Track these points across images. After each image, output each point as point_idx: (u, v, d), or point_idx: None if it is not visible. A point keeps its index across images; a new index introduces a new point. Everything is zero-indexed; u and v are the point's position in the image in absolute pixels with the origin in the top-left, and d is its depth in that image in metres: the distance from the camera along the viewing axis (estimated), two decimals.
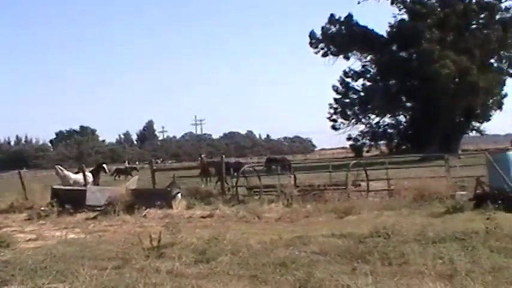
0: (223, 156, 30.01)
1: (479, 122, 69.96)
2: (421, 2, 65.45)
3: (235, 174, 26.16)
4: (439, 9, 63.43)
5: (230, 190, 23.59)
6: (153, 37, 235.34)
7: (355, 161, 27.21)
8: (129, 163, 69.96)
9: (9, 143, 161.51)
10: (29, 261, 11.63)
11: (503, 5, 65.42)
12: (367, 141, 74.23)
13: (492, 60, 65.28)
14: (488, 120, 70.27)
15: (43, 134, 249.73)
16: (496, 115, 69.87)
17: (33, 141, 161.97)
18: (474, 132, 72.49)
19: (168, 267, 10.11)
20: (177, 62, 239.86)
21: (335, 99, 72.43)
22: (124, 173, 51.51)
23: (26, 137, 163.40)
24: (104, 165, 29.33)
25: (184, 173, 33.93)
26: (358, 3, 68.00)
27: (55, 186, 24.68)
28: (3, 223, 19.96)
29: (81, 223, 18.86)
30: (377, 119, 72.58)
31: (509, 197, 15.69)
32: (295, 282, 7.80)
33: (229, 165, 28.45)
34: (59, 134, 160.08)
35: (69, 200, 22.02)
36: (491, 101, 66.69)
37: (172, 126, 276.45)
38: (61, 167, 28.22)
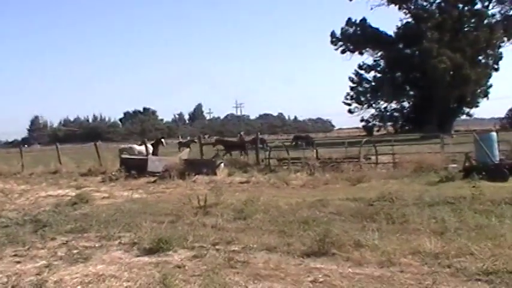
0: (258, 133, 30.05)
1: (469, 107, 69.36)
2: (423, 8, 64.99)
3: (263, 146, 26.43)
4: (438, 14, 62.70)
5: (264, 161, 23.61)
6: (199, 29, 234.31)
7: (366, 139, 27.04)
8: (182, 137, 70.10)
9: (87, 120, 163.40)
10: (103, 214, 11.89)
11: (490, 12, 65.12)
12: (377, 123, 74.10)
13: (480, 57, 64.46)
14: (477, 106, 69.73)
15: (114, 113, 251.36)
16: (483, 102, 69.46)
17: (106, 119, 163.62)
18: (465, 115, 72.07)
19: (213, 223, 10.21)
20: (225, 53, 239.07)
21: (351, 88, 72.49)
22: (185, 146, 51.63)
23: (101, 115, 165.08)
24: (162, 140, 29.43)
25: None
26: (371, 9, 68.14)
27: (123, 156, 24.99)
28: (83, 184, 20.31)
29: (143, 186, 19.08)
30: (385, 105, 72.35)
31: (491, 169, 15.54)
32: (316, 237, 7.81)
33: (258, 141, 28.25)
34: (126, 114, 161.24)
35: (134, 167, 22.29)
36: (479, 90, 66.10)
37: (217, 108, 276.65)
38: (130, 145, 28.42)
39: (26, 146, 76.96)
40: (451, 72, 58.49)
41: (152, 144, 28.16)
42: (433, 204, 10.94)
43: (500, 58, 66.21)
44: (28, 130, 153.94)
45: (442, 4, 63.56)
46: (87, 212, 12.62)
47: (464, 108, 69.12)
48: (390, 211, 9.98)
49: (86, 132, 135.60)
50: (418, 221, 9.09)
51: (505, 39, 64.29)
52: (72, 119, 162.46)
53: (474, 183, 11.91)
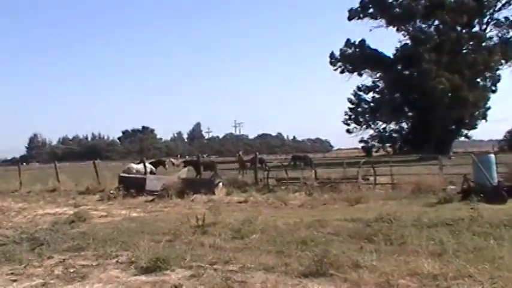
0: (257, 153, 30.08)
1: (467, 129, 69.29)
2: (422, 30, 65.23)
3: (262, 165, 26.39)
4: (436, 36, 63.09)
5: (262, 181, 23.60)
6: (199, 48, 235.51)
7: (365, 160, 27.07)
8: (180, 157, 70.08)
9: (86, 138, 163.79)
10: (101, 233, 11.83)
11: (488, 35, 65.30)
12: (376, 143, 73.74)
13: (479, 80, 64.75)
14: (475, 128, 69.55)
15: (113, 132, 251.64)
16: (481, 124, 69.30)
17: (105, 137, 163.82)
18: (463, 137, 71.96)
19: (211, 242, 10.17)
20: (225, 73, 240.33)
21: (350, 108, 72.37)
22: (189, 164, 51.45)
23: (100, 134, 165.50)
24: (165, 162, 29.26)
25: (225, 166, 34.06)
26: (370, 30, 68.06)
27: (121, 174, 24.97)
28: (81, 202, 20.30)
29: (141, 204, 19.04)
30: (384, 125, 72.17)
31: (489, 191, 15.56)
32: (314, 257, 7.79)
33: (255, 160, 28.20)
34: (125, 132, 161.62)
35: (133, 186, 22.27)
36: (477, 112, 66.10)
37: (216, 127, 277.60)
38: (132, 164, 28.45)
39: (24, 164, 76.92)
40: (450, 94, 58.60)
41: (153, 163, 28.14)
42: (432, 225, 10.91)
43: (499, 80, 66.31)
44: (27, 148, 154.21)
45: (441, 26, 63.92)
46: (85, 231, 12.57)
47: (462, 130, 69.10)
48: (388, 232, 9.96)
49: (84, 151, 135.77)
50: (416, 243, 9.06)
51: (503, 61, 64.51)
52: (71, 137, 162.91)
53: (472, 205, 11.89)
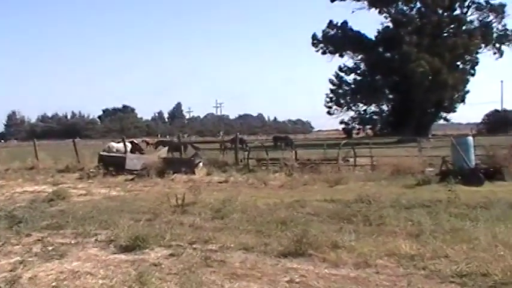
0: (238, 133, 30.04)
1: (446, 112, 70.12)
2: (403, 13, 65.56)
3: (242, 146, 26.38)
4: (417, 19, 63.37)
5: (242, 161, 23.61)
6: (181, 29, 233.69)
7: (345, 141, 27.18)
8: (161, 136, 69.84)
9: (66, 116, 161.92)
10: (80, 211, 11.79)
11: (468, 18, 65.94)
12: (356, 125, 73.96)
13: (458, 63, 65.24)
14: (454, 111, 70.49)
15: (93, 110, 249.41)
16: (460, 107, 70.16)
17: (85, 116, 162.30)
18: (442, 120, 72.82)
19: (190, 221, 10.18)
20: (202, 51, 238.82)
21: (331, 90, 72.28)
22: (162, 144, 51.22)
23: (80, 112, 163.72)
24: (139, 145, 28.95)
25: (205, 146, 34.00)
26: (352, 12, 67.78)
27: (101, 153, 24.80)
28: (60, 180, 20.15)
29: (121, 183, 18.98)
30: (364, 107, 72.25)
31: (467, 174, 15.76)
32: (293, 237, 7.83)
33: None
34: (106, 111, 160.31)
35: (112, 165, 22.17)
36: (456, 95, 66.78)
37: (197, 107, 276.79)
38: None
39: (2, 141, 76.00)
40: (430, 77, 58.98)
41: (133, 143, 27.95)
42: (410, 207, 11.03)
43: (477, 64, 67.03)
44: (5, 125, 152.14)
45: (422, 9, 64.16)
46: (64, 209, 12.51)
47: (441, 113, 69.82)
48: (367, 213, 10.03)
49: (64, 129, 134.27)
50: (394, 223, 9.16)
51: (483, 45, 65.12)
52: (50, 115, 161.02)
53: (450, 187, 12.03)
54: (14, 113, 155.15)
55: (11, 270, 7.19)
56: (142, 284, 5.60)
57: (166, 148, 27.41)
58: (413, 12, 65.44)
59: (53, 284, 6.56)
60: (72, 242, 8.87)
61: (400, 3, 65.48)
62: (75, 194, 15.86)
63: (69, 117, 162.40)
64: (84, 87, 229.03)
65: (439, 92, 60.85)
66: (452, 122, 76.18)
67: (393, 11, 66.34)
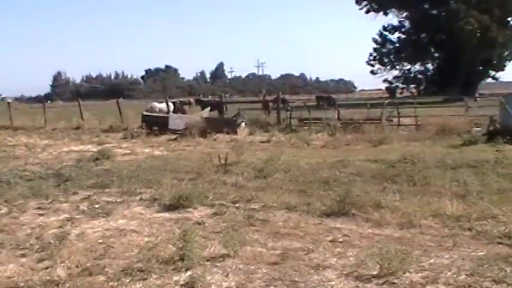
0: (280, 93, 29.88)
1: (495, 70, 68.07)
2: None
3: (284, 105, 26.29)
4: None
5: (285, 121, 23.54)
6: None
7: (389, 101, 26.76)
8: (203, 96, 69.94)
9: (110, 77, 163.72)
10: (124, 170, 11.99)
11: None
12: (400, 85, 72.84)
13: (509, 19, 62.95)
14: (503, 69, 68.52)
15: (136, 70, 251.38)
16: (509, 65, 68.18)
17: (128, 76, 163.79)
18: (490, 79, 70.77)
19: (233, 181, 10.25)
20: (246, 14, 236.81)
21: (374, 49, 71.19)
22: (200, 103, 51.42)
23: (123, 72, 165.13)
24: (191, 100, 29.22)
25: (248, 106, 33.97)
26: None
27: (144, 113, 25.05)
28: (105, 140, 20.46)
29: (164, 143, 19.17)
30: (409, 66, 71.03)
31: None
32: (336, 197, 7.80)
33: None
34: (148, 71, 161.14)
35: (156, 124, 22.39)
36: (506, 53, 65.08)
37: (238, 67, 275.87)
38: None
39: (48, 101, 77.56)
40: (478, 34, 57.23)
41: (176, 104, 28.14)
42: (456, 167, 10.83)
43: None
44: (51, 86, 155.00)
45: None
46: (109, 168, 12.74)
47: (489, 71, 67.89)
48: (411, 173, 9.90)
49: (107, 89, 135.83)
50: (439, 184, 9.02)
51: None
52: (94, 76, 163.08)
53: (498, 147, 11.78)
54: (59, 73, 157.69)
55: (59, 227, 7.42)
56: (186, 242, 5.68)
57: (209, 108, 27.51)
58: None
59: (100, 240, 6.72)
60: (118, 200, 9.07)
61: None
62: (119, 153, 16.10)
63: (112, 77, 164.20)
64: (127, 48, 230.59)
65: (488, 50, 59.23)
66: (501, 81, 73.97)
67: None
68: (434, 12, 63.76)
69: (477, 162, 11.17)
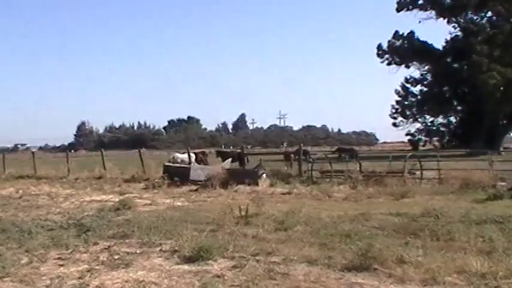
0: (301, 144, 29.95)
1: None
2: (473, 22, 63.85)
3: (306, 157, 26.27)
4: (488, 28, 61.68)
5: (306, 173, 23.51)
6: (242, 42, 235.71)
7: (411, 153, 26.64)
8: (225, 147, 70.49)
9: (132, 127, 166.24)
10: (145, 221, 11.97)
11: None
12: (423, 137, 72.59)
13: None
14: None
15: (158, 121, 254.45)
16: None
17: (151, 126, 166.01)
18: None
19: (253, 233, 10.18)
20: (269, 65, 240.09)
21: (396, 101, 71.38)
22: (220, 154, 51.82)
23: (145, 123, 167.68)
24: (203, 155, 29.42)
25: (269, 157, 34.07)
26: (419, 22, 66.68)
27: (166, 163, 25.24)
28: (126, 190, 20.62)
29: (185, 194, 19.22)
30: (431, 119, 71.01)
31: None
32: (358, 251, 7.70)
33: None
34: (171, 122, 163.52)
35: (177, 175, 22.49)
36: None
37: (260, 118, 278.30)
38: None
39: (72, 151, 78.76)
40: (501, 88, 57.23)
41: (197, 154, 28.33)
42: (480, 222, 10.66)
43: None
44: (75, 135, 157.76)
45: (493, 18, 62.45)
46: (130, 218, 12.76)
47: None
48: (435, 227, 9.75)
49: (130, 139, 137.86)
50: (464, 239, 8.85)
51: None
52: (117, 126, 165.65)
53: None
54: (83, 123, 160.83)
55: (79, 278, 7.40)
56: None
57: (230, 159, 27.65)
58: (484, 21, 63.80)
59: None
60: (138, 251, 9.04)
61: (469, 12, 63.83)
62: (140, 203, 16.18)
63: (135, 127, 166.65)
64: (150, 99, 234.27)
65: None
66: None
67: (462, 20, 64.88)
68: (456, 65, 64.06)
69: (503, 218, 10.97)
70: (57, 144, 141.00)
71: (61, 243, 9.67)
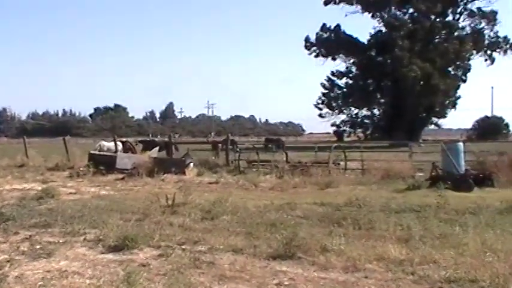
0: (229, 134, 30.00)
1: (437, 117, 70.51)
2: (396, 17, 65.97)
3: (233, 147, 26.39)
4: (410, 24, 63.79)
5: (233, 162, 23.58)
6: (173, 30, 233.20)
7: (336, 144, 27.22)
8: (152, 136, 69.59)
9: (57, 114, 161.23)
10: (69, 210, 11.70)
11: (460, 25, 66.88)
12: (347, 129, 74.21)
13: (450, 68, 65.68)
14: (445, 116, 71.02)
15: (84, 109, 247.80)
16: (451, 113, 70.89)
17: (76, 114, 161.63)
18: (433, 125, 73.12)
19: (180, 222, 10.13)
20: (195, 52, 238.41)
21: (322, 93, 72.61)
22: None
23: (71, 110, 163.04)
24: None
25: (196, 146, 33.93)
26: (346, 15, 68.24)
27: (91, 151, 24.68)
28: (50, 178, 20.02)
29: (111, 182, 18.89)
30: (356, 111, 72.68)
31: (457, 179, 15.86)
32: (283, 240, 7.80)
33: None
34: (97, 110, 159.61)
35: (103, 163, 22.03)
36: (447, 101, 67.40)
37: (188, 108, 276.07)
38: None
39: None
40: (421, 82, 59.38)
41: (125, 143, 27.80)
42: (400, 211, 11.06)
43: (469, 70, 67.40)
44: None
45: (415, 14, 64.57)
46: (53, 207, 12.40)
47: (432, 118, 70.15)
48: (357, 217, 10.01)
49: (54, 127, 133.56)
50: (384, 228, 9.13)
51: (474, 51, 65.64)
52: (41, 113, 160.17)
53: (440, 193, 12.07)
54: (4, 109, 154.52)
55: None
56: (130, 285, 5.55)
57: (157, 148, 27.33)
58: (406, 17, 65.98)
59: (40, 283, 6.49)
60: (60, 240, 8.80)
61: (393, 7, 65.91)
62: (64, 192, 15.75)
63: (60, 115, 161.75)
64: (76, 86, 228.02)
65: (430, 97, 61.27)
66: (442, 128, 76.60)
67: (386, 16, 66.73)
68: (380, 59, 65.78)
69: (420, 207, 11.43)
70: None
71: None
